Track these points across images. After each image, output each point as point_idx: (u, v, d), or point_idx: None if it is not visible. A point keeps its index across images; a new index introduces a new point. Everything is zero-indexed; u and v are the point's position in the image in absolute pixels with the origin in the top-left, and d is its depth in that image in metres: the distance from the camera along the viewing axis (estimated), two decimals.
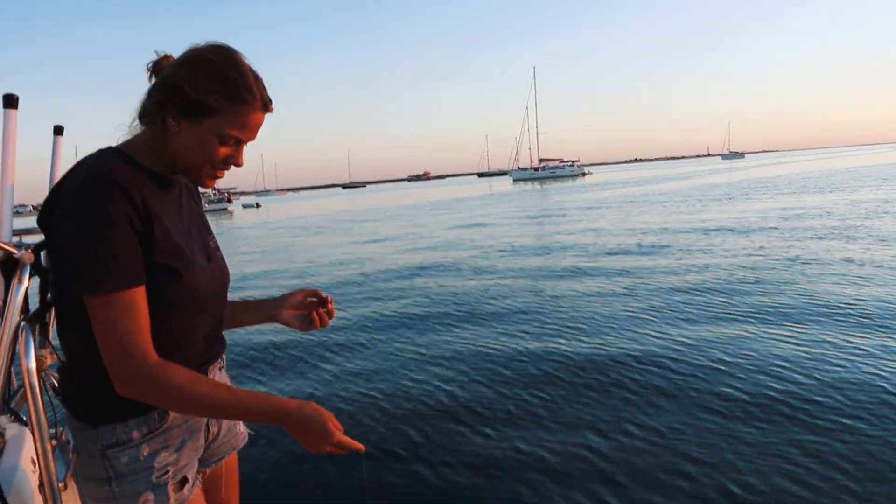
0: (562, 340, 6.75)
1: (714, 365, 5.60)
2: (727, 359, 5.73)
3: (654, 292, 8.81)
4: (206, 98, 1.47)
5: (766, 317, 7.08)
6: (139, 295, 1.42)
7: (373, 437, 4.65)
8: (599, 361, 5.94)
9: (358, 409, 5.27)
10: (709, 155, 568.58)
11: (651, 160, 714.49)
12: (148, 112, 1.55)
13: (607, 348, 6.34)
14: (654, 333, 6.75)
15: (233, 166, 1.59)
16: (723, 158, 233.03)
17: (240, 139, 1.54)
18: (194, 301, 1.56)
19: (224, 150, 1.53)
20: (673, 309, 7.75)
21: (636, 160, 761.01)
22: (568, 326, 7.33)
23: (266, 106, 1.56)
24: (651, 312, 7.67)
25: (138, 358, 1.39)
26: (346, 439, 1.54)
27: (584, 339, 6.76)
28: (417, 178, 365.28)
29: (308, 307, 1.95)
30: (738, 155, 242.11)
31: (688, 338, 6.47)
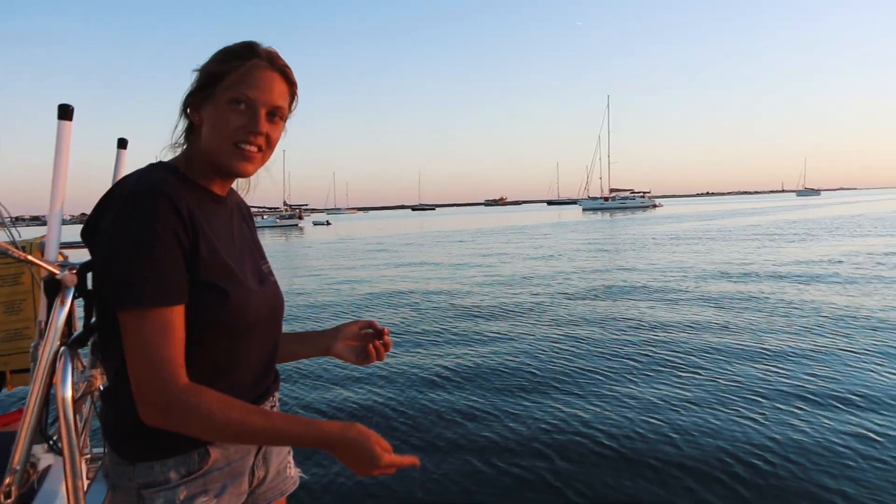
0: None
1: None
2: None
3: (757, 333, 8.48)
4: (210, 68, 1.44)
5: None
6: (176, 315, 1.32)
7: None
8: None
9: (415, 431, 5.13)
10: (783, 191, 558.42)
11: (723, 194, 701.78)
12: (179, 118, 1.53)
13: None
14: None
15: (260, 138, 1.46)
16: (797, 195, 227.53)
17: (250, 99, 1.43)
18: (242, 325, 1.45)
19: (238, 117, 1.42)
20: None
21: (707, 193, 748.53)
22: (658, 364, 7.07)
23: (273, 62, 1.47)
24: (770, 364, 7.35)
25: (167, 380, 1.28)
26: (396, 458, 1.41)
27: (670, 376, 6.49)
28: (494, 202, 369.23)
29: (364, 339, 1.84)
30: (814, 192, 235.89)
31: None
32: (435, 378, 6.84)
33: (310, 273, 18.92)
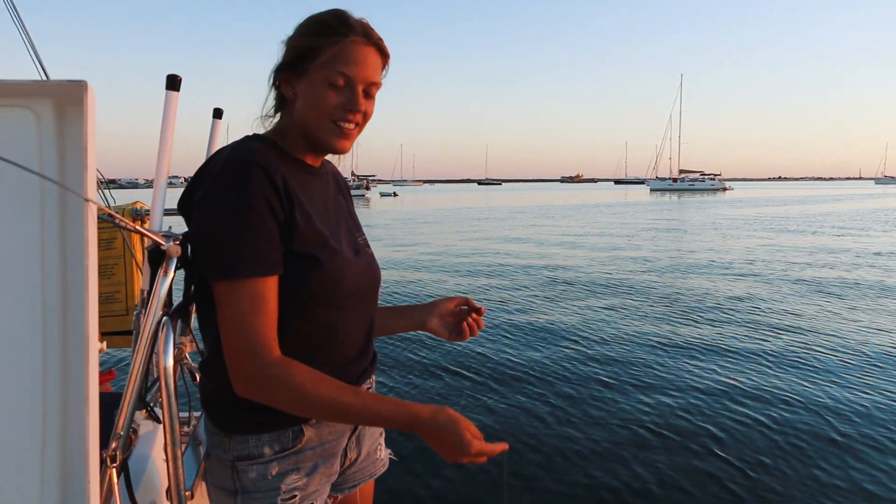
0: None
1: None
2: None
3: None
4: (304, 42, 1.41)
5: None
6: (270, 286, 1.32)
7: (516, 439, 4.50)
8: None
9: (501, 415, 5.12)
10: (860, 178, 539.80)
11: (796, 179, 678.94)
12: (269, 92, 1.51)
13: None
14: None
15: (359, 115, 1.45)
16: (876, 182, 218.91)
17: (349, 77, 1.40)
18: (338, 295, 1.44)
19: (336, 96, 1.41)
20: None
21: (780, 178, 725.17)
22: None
23: (369, 36, 1.43)
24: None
25: (260, 353, 1.28)
26: (487, 446, 1.37)
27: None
28: (570, 179, 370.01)
29: (458, 315, 1.83)
30: (895, 180, 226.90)
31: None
32: (515, 363, 6.84)
33: (382, 246, 18.93)
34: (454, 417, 1.37)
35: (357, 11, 1.45)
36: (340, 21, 1.41)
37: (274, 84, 1.48)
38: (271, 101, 1.52)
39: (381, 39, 1.46)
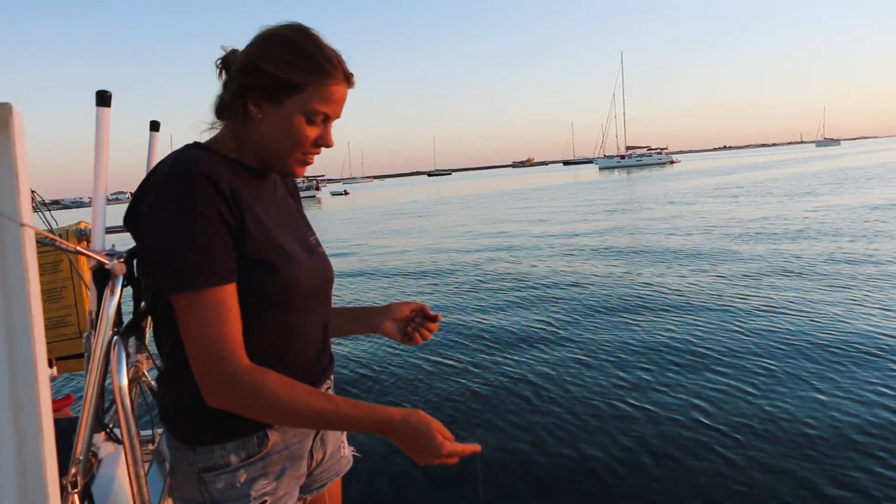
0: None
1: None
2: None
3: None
4: (286, 73, 1.36)
5: None
6: (229, 294, 1.30)
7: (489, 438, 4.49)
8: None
9: (467, 411, 5.12)
10: (802, 142, 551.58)
11: (741, 147, 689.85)
12: (227, 104, 1.45)
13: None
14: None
15: (323, 148, 1.48)
16: (817, 146, 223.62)
17: (327, 115, 1.43)
18: (294, 299, 1.44)
19: (312, 130, 1.42)
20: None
21: (725, 147, 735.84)
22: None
23: (348, 78, 1.44)
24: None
25: (229, 362, 1.27)
26: (458, 447, 1.40)
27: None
28: (522, 164, 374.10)
29: (412, 321, 1.84)
30: (834, 142, 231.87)
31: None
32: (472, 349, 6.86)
33: (337, 249, 18.71)
34: (426, 420, 1.39)
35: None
36: (323, 57, 1.39)
37: (241, 98, 1.41)
38: (219, 106, 1.49)
39: (352, 76, 1.46)
